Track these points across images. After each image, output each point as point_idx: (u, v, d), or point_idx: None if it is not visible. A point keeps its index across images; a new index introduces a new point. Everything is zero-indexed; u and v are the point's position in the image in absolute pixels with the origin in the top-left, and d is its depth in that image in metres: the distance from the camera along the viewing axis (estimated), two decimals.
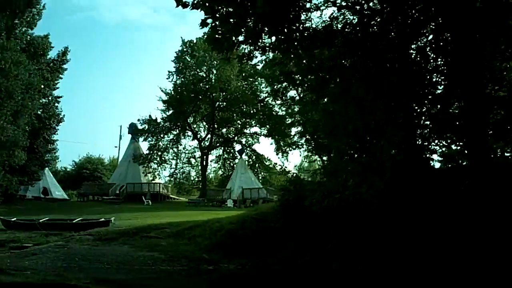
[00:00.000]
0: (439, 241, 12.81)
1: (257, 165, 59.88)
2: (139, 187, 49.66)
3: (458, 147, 15.34)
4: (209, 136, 59.13)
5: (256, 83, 56.42)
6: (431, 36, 15.68)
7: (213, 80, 55.25)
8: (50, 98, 44.05)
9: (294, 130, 50.95)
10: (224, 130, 60.50)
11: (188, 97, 54.51)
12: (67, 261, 18.03)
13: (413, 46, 15.71)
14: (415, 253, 13.05)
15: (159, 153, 55.21)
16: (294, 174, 18.81)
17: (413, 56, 15.74)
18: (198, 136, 59.32)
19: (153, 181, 53.00)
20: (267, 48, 15.32)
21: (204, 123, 60.62)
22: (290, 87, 20.70)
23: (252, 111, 56.99)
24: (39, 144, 41.53)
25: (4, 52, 32.78)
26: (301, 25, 13.84)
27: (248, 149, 59.41)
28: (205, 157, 57.91)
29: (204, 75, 56.01)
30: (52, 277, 16.72)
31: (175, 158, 58.08)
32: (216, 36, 12.85)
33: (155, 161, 55.05)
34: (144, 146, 55.68)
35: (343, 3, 15.41)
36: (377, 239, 13.78)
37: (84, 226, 22.94)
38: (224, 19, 12.53)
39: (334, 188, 14.50)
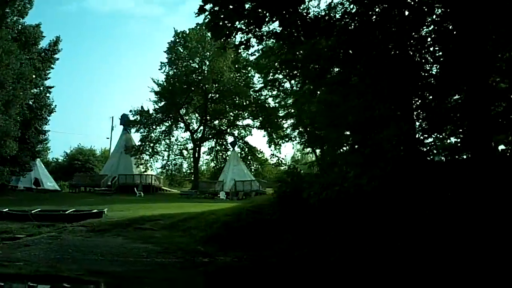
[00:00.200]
0: (440, 234, 12.68)
1: (249, 157, 59.59)
2: (131, 179, 49.19)
3: (459, 140, 15.20)
4: (201, 128, 58.69)
5: (250, 74, 56.11)
6: (431, 27, 15.49)
7: (205, 72, 54.80)
8: (41, 88, 43.33)
9: (287, 122, 50.93)
10: (216, 122, 60.07)
11: (180, 89, 54.03)
12: (60, 252, 17.82)
13: (412, 37, 15.47)
14: (415, 246, 12.93)
15: (151, 145, 54.71)
16: (292, 166, 18.48)
17: (412, 48, 15.56)
18: (191, 127, 58.90)
19: (145, 173, 52.57)
20: (264, 37, 15.12)
21: (197, 115, 60.18)
22: (287, 77, 20.37)
23: (245, 103, 56.65)
24: (30, 135, 40.99)
25: None
26: (304, 11, 13.58)
27: (240, 141, 59.12)
28: (197, 149, 57.50)
29: (197, 66, 55.56)
30: (45, 269, 16.53)
31: (167, 149, 57.62)
32: (215, 21, 12.54)
33: (147, 153, 54.56)
34: (136, 137, 55.14)
35: None
36: (376, 232, 13.63)
37: (77, 217, 22.60)
38: (225, 4, 12.22)
39: (333, 180, 14.29)
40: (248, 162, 58.38)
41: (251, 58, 44.06)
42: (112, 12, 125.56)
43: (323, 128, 20.35)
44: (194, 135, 57.94)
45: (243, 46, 15.31)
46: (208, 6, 12.28)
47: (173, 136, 58.04)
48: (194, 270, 16.65)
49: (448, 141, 15.54)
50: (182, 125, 58.30)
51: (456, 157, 14.49)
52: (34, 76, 39.24)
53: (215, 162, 63.25)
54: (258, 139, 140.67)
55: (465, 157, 14.70)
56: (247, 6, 12.75)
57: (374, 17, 15.52)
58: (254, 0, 12.40)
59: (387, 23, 15.35)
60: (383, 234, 13.46)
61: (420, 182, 13.15)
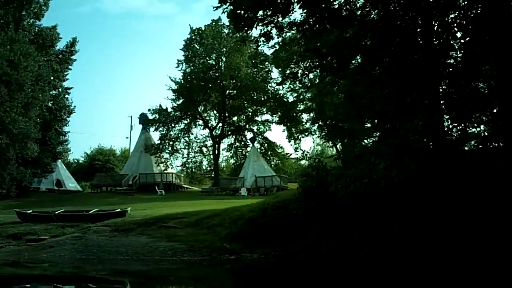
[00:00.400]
0: (476, 227, 12.22)
1: (269, 152, 59.34)
2: (151, 177, 49.47)
3: (488, 128, 14.66)
4: (220, 124, 58.61)
5: (267, 69, 55.81)
6: (457, 13, 14.98)
7: (222, 68, 54.69)
8: (60, 89, 43.79)
9: (305, 116, 50.54)
10: (235, 118, 59.97)
11: (198, 86, 54.01)
12: (85, 252, 17.74)
13: (440, 22, 14.97)
14: (449, 241, 12.50)
15: (171, 143, 54.86)
16: (317, 159, 18.07)
17: (439, 34, 15.06)
18: (209, 124, 58.88)
19: (165, 171, 52.71)
20: (285, 28, 14.80)
21: (215, 112, 60.16)
22: (307, 70, 19.98)
23: (263, 98, 56.39)
24: (51, 136, 41.34)
25: (13, 44, 32.32)
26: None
27: (259, 136, 58.90)
28: (216, 145, 57.44)
29: (214, 63, 55.52)
30: (70, 269, 16.48)
31: (186, 147, 57.78)
32: (238, 12, 12.22)
33: (166, 151, 54.75)
34: (155, 136, 55.35)
35: None
36: (408, 226, 13.21)
37: (100, 217, 22.60)
38: None
39: (361, 172, 13.86)
40: (268, 158, 58.13)
41: (270, 51, 43.89)
42: (125, 11, 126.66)
43: (347, 119, 19.90)
44: (213, 132, 57.87)
45: (263, 38, 15.02)
46: None
47: (192, 134, 58.24)
48: (221, 268, 16.43)
49: (478, 129, 15.01)
50: (200, 122, 58.42)
51: (488, 145, 13.97)
52: (52, 77, 39.46)
53: (234, 158, 63.26)
54: (277, 134, 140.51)
55: (497, 145, 14.18)
56: None
57: (397, 3, 15.08)
58: None
59: (412, 11, 14.90)
60: (415, 227, 13.03)
61: (451, 172, 12.69)
